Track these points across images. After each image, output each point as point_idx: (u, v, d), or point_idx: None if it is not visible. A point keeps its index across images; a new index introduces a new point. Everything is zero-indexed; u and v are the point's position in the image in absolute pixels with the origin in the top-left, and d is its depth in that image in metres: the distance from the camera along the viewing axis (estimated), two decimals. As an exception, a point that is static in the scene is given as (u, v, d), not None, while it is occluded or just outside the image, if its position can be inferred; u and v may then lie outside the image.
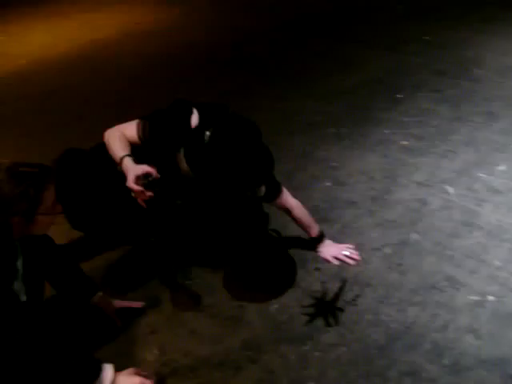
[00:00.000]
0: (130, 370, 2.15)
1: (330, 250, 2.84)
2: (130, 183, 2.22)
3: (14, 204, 1.93)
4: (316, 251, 2.85)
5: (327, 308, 2.50)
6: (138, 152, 2.37)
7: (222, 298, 2.64)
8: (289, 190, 2.91)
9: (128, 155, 2.31)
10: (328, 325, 2.41)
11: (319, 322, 2.44)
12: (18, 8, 8.99)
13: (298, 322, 2.45)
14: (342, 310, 2.48)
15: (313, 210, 3.14)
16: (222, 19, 7.22)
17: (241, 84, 5.04)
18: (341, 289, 2.60)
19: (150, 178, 2.25)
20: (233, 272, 2.81)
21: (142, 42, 6.62)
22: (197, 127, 2.35)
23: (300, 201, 2.82)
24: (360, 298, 2.54)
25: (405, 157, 3.66)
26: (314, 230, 2.84)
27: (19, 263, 2.13)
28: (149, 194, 2.23)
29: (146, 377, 2.15)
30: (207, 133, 2.22)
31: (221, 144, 2.20)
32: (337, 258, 2.81)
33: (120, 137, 2.39)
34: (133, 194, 2.25)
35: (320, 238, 2.85)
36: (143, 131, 2.40)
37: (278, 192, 2.72)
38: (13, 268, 2.06)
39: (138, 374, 2.15)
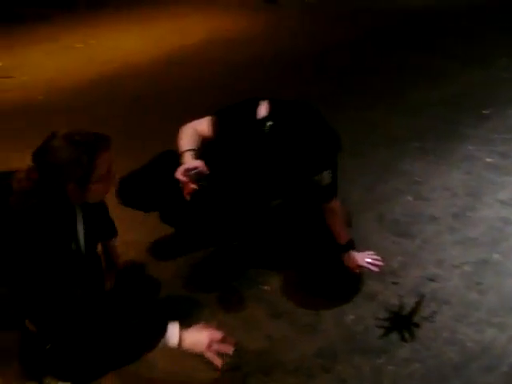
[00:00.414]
0: (198, 325, 2.15)
1: (355, 258, 2.85)
2: (177, 174, 2.32)
3: (69, 170, 1.98)
4: (341, 259, 2.86)
5: (403, 322, 2.51)
6: (212, 147, 2.47)
7: (299, 305, 2.68)
8: (370, 202, 2.94)
9: (190, 150, 2.42)
10: (403, 339, 2.42)
11: (394, 336, 2.45)
12: (110, 13, 9.33)
13: (373, 334, 2.47)
14: (418, 325, 2.48)
15: (393, 224, 3.16)
16: (309, 28, 7.26)
17: (325, 93, 5.06)
18: (418, 304, 2.60)
19: (193, 172, 2.33)
20: (311, 280, 2.86)
21: (229, 49, 6.74)
22: (262, 118, 2.41)
23: (380, 213, 2.83)
24: (437, 314, 2.53)
25: (490, 174, 3.60)
26: (345, 238, 2.85)
27: (80, 227, 2.22)
28: (192, 186, 2.31)
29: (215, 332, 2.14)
30: (268, 123, 2.29)
31: (279, 132, 2.25)
32: (361, 266, 2.83)
33: (190, 132, 2.50)
34: (180, 185, 2.34)
35: (349, 246, 2.86)
36: (213, 125, 2.50)
37: (335, 194, 2.74)
38: (73, 230, 2.14)
39: (206, 328, 2.14)
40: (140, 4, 9.59)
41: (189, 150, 2.42)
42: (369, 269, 2.82)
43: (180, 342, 2.04)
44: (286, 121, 2.31)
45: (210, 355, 2.09)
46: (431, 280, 2.75)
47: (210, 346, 2.09)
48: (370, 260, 2.85)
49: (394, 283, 2.75)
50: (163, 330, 2.04)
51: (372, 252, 2.90)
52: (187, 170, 2.33)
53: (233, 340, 2.18)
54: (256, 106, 2.46)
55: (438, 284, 2.72)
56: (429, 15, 7.36)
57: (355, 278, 2.81)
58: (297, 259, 2.98)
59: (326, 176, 2.58)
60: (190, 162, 2.36)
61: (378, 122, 4.46)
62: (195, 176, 2.33)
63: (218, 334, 2.12)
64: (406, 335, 2.43)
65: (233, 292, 2.81)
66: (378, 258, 2.87)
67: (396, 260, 2.90)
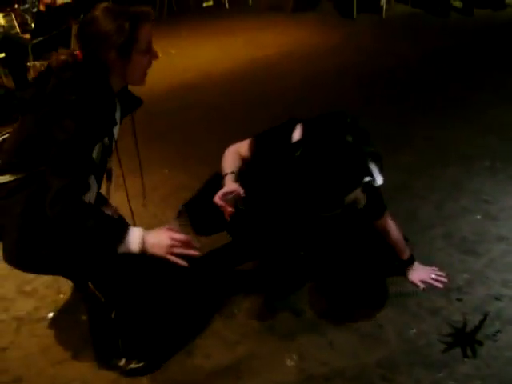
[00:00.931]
0: (161, 228, 2.17)
1: (419, 273, 2.89)
2: (216, 198, 2.42)
3: (110, 37, 2.05)
4: (406, 274, 2.90)
5: (466, 339, 2.52)
6: (249, 169, 2.60)
7: (363, 314, 2.74)
8: (438, 219, 2.95)
9: (231, 173, 2.53)
10: (465, 356, 2.43)
11: (457, 351, 2.46)
12: (190, 25, 9.63)
13: (436, 348, 2.49)
14: (481, 343, 2.49)
15: (460, 241, 3.17)
16: (382, 44, 7.27)
17: (395, 111, 5.09)
18: (482, 322, 2.61)
19: (230, 196, 2.43)
20: (376, 292, 2.90)
21: (303, 63, 6.85)
22: (295, 142, 2.47)
23: (448, 231, 2.85)
24: (501, 333, 2.53)
25: None
26: (406, 253, 2.88)
27: (117, 115, 2.33)
28: (229, 209, 2.41)
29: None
30: (299, 150, 2.36)
31: (308, 158, 2.31)
32: (425, 282, 2.86)
33: (232, 155, 2.62)
34: (221, 209, 2.44)
35: (410, 261, 2.90)
36: (250, 148, 2.60)
37: (383, 211, 2.77)
38: (112, 117, 2.24)
39: (168, 230, 2.15)
40: (218, 17, 9.85)
41: (229, 173, 2.54)
42: (432, 285, 2.84)
43: (142, 245, 2.09)
44: (316, 146, 2.36)
45: (172, 258, 2.11)
46: (496, 299, 2.75)
47: (171, 247, 2.11)
48: (434, 276, 2.88)
49: (459, 300, 2.77)
50: (124, 230, 2.09)
51: (437, 268, 2.92)
52: (224, 195, 2.43)
53: (198, 244, 2.22)
54: (292, 129, 2.52)
55: (504, 303, 2.72)
56: (505, 32, 7.23)
57: (420, 293, 2.84)
58: (362, 271, 3.03)
59: (359, 197, 2.57)
60: (228, 185, 2.48)
61: (449, 140, 4.45)
62: (233, 199, 2.45)
63: (179, 236, 2.13)
64: (468, 352, 2.45)
65: (298, 298, 2.90)
66: (443, 274, 2.89)
67: (461, 277, 2.90)
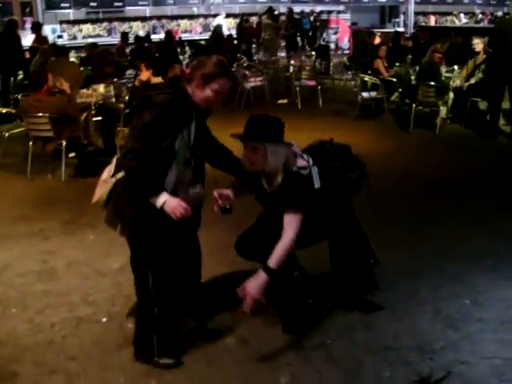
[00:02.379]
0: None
1: (251, 285, 3.17)
2: (214, 192, 3.42)
3: (207, 67, 3.14)
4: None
5: (427, 385, 3.11)
6: None
7: (350, 352, 3.37)
8: (432, 299, 3.77)
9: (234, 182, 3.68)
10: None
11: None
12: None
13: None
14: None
15: (445, 317, 3.83)
16: (431, 157, 7.92)
17: (434, 212, 5.67)
18: (445, 377, 3.19)
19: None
20: (367, 338, 3.53)
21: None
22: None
23: (438, 308, 3.53)
24: (457, 386, 3.10)
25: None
26: (272, 263, 3.22)
27: (193, 125, 3.19)
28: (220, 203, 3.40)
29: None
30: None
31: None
32: (244, 293, 3.18)
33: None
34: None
35: (266, 270, 3.23)
36: None
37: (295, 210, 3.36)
38: (189, 121, 3.14)
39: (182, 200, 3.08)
40: (289, 114, 10.81)
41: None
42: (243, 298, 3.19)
43: (163, 204, 3.04)
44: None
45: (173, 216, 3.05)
46: (462, 363, 3.33)
47: (176, 208, 3.04)
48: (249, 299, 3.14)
49: (430, 358, 3.37)
50: (158, 191, 3.07)
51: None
52: (220, 194, 3.38)
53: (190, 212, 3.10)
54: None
55: (468, 367, 3.29)
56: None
57: (400, 348, 3.45)
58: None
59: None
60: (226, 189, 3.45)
61: (461, 238, 5.02)
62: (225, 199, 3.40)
63: (184, 206, 3.05)
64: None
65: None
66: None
67: (438, 343, 3.51)
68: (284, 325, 3.68)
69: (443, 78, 9.82)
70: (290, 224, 3.26)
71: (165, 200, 3.06)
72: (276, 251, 3.21)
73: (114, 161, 3.34)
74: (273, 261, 3.18)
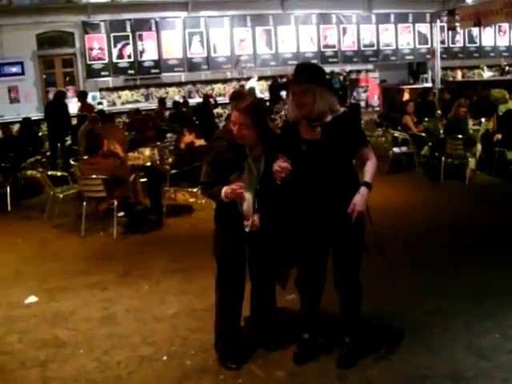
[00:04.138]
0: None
1: (358, 199, 3.71)
2: (276, 164, 3.73)
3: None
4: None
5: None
6: None
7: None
8: (465, 334, 3.95)
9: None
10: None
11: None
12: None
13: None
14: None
15: (477, 350, 4.08)
16: (461, 206, 8.25)
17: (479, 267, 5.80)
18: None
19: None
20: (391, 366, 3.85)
21: (393, 216, 7.79)
22: None
23: (470, 343, 3.82)
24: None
25: None
26: (367, 179, 3.79)
27: (250, 160, 3.84)
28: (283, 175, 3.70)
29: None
30: None
31: None
32: (355, 211, 3.70)
33: None
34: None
35: (364, 184, 3.76)
36: None
37: (367, 141, 3.92)
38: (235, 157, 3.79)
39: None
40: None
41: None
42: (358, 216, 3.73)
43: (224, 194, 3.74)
44: None
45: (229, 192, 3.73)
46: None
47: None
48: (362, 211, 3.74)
49: (463, 386, 3.68)
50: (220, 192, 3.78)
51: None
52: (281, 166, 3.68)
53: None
54: None
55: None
56: None
57: (433, 375, 3.76)
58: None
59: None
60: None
61: (489, 280, 5.29)
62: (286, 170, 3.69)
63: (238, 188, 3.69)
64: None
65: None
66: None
67: (471, 372, 3.83)
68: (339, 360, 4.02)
69: (470, 131, 10.24)
70: (368, 153, 3.88)
71: (223, 190, 3.76)
72: (368, 169, 3.83)
73: None
74: (368, 176, 3.80)
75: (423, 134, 10.80)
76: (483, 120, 11.20)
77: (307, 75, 3.76)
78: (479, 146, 10.07)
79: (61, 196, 8.23)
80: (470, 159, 9.65)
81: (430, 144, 10.51)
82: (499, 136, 9.84)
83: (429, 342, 4.23)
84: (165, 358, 4.22)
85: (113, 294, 5.49)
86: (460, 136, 9.59)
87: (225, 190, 3.75)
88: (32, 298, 5.47)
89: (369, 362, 4.00)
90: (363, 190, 3.75)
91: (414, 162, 10.84)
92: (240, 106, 3.78)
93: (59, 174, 8.96)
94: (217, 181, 3.83)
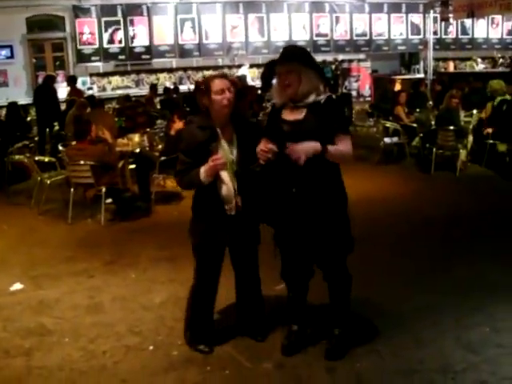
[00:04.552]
0: None
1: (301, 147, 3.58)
2: (260, 146, 3.67)
3: (200, 87, 3.91)
4: None
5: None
6: None
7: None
8: (454, 327, 3.97)
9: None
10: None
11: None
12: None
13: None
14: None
15: (466, 343, 4.06)
16: (450, 198, 8.22)
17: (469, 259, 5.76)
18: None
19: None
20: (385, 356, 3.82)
21: (380, 208, 7.82)
22: None
23: (459, 335, 3.86)
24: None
25: None
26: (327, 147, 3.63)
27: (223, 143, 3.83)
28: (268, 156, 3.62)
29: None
30: None
31: None
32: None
33: None
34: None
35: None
36: None
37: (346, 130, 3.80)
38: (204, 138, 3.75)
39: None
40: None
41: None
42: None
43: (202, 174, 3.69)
44: None
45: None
46: (482, 383, 3.60)
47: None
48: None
49: (453, 378, 3.67)
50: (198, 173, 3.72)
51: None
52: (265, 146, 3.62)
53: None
54: None
55: (488, 387, 3.56)
56: None
57: (423, 370, 3.73)
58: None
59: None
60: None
61: (477, 274, 5.28)
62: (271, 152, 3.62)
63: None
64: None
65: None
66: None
67: (460, 366, 3.81)
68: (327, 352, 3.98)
69: (462, 123, 10.21)
70: (345, 140, 3.70)
71: (202, 171, 3.72)
72: (337, 147, 3.65)
73: None
74: (331, 147, 3.62)
75: (414, 125, 10.77)
76: (475, 112, 11.17)
77: (292, 55, 3.73)
78: (470, 138, 10.04)
79: (48, 182, 8.11)
80: (461, 151, 9.62)
81: (422, 135, 10.47)
82: (490, 130, 9.84)
83: (418, 335, 4.20)
84: (151, 347, 4.16)
85: (99, 282, 5.42)
86: (451, 127, 9.55)
87: (204, 168, 3.71)
88: (17, 286, 5.39)
89: (357, 355, 3.96)
90: (315, 144, 3.59)
91: (405, 152, 10.80)
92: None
93: (47, 159, 8.83)
94: (192, 166, 3.79)
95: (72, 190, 7.52)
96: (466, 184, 9.02)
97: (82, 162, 7.26)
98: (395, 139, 10.89)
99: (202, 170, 3.72)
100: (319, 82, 3.74)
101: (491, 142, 9.67)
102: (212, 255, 3.95)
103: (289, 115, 3.76)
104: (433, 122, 10.53)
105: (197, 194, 3.95)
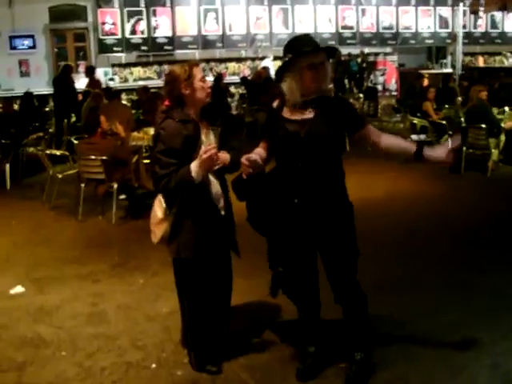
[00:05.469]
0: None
1: (440, 151, 3.29)
2: (243, 158, 3.21)
3: (180, 76, 3.35)
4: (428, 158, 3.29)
5: None
6: None
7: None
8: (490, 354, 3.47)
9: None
10: None
11: None
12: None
13: None
14: None
15: (504, 373, 3.59)
16: (483, 201, 7.73)
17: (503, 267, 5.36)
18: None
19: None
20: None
21: (404, 208, 7.47)
22: None
23: (496, 363, 3.32)
24: None
25: None
26: (412, 147, 3.32)
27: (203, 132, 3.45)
28: (249, 170, 3.19)
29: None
30: None
31: None
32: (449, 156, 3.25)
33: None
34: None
35: (420, 148, 3.29)
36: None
37: (364, 121, 3.41)
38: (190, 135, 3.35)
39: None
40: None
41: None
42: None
43: (193, 171, 3.23)
44: None
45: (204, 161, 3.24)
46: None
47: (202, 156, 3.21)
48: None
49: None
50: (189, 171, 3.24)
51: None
52: (249, 158, 3.19)
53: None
54: None
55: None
56: None
57: None
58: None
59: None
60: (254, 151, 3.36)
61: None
62: (254, 163, 3.20)
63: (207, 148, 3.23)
64: None
65: None
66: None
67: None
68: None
69: (495, 119, 9.66)
70: (372, 131, 3.42)
71: (191, 167, 3.26)
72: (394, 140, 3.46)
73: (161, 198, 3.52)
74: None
75: (444, 122, 10.27)
76: (507, 109, 10.62)
77: (318, 45, 3.32)
78: (503, 137, 9.51)
79: (60, 176, 7.81)
80: (493, 150, 9.11)
81: (451, 133, 9.98)
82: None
83: (451, 358, 3.77)
84: (154, 365, 3.80)
85: (104, 288, 5.07)
86: (483, 125, 9.03)
87: (195, 163, 3.26)
88: (18, 289, 5.08)
89: (382, 382, 3.56)
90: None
91: (434, 151, 10.30)
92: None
93: (58, 153, 8.51)
94: (178, 168, 3.30)
95: (82, 185, 7.20)
96: (497, 186, 8.53)
97: (92, 157, 6.93)
98: (423, 136, 10.39)
99: (193, 166, 3.27)
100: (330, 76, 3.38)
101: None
102: (215, 267, 3.57)
103: (293, 114, 3.33)
104: (462, 119, 10.03)
105: (185, 199, 3.43)
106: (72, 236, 6.62)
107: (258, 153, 3.40)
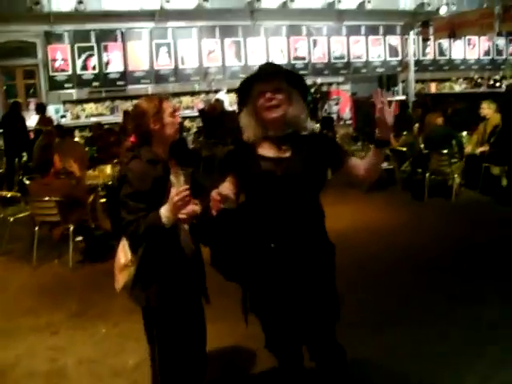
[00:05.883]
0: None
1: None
2: (213, 193, 2.89)
3: (149, 110, 3.10)
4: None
5: None
6: None
7: None
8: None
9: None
10: None
11: None
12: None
13: None
14: None
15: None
16: (444, 228, 7.65)
17: (469, 294, 5.27)
18: None
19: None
20: None
21: (369, 237, 7.32)
22: None
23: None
24: None
25: None
26: (374, 152, 3.06)
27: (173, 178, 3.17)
28: (219, 205, 2.84)
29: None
30: None
31: None
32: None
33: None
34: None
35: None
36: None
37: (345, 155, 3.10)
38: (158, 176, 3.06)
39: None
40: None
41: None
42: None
43: (163, 217, 2.91)
44: None
45: (181, 216, 2.94)
46: None
47: (175, 203, 2.87)
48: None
49: None
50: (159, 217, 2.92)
51: None
52: (219, 194, 2.87)
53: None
54: None
55: None
56: None
57: None
58: None
59: None
60: (224, 186, 3.03)
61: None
62: (224, 199, 2.88)
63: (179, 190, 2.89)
64: None
65: None
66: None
67: None
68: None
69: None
70: (356, 160, 3.15)
71: (160, 213, 2.95)
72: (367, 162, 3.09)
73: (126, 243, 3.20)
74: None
75: (404, 149, 10.24)
76: (464, 134, 10.65)
77: (278, 72, 3.01)
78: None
79: (11, 219, 7.38)
80: (455, 175, 9.07)
81: (411, 159, 9.95)
82: (482, 149, 9.31)
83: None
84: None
85: (63, 340, 4.70)
86: (445, 151, 8.99)
87: (166, 207, 2.94)
88: (-33, 346, 4.67)
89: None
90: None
91: (395, 178, 10.25)
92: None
93: (9, 194, 8.10)
94: (147, 213, 2.99)
95: (36, 228, 6.80)
96: (462, 211, 8.47)
97: (46, 198, 6.56)
98: (385, 164, 10.33)
99: (163, 210, 2.96)
100: (305, 109, 3.05)
101: (486, 164, 9.14)
102: (186, 312, 3.29)
103: (267, 150, 3.01)
104: (422, 146, 10.01)
105: (149, 244, 3.13)
106: (26, 283, 6.20)
107: (228, 187, 3.10)
